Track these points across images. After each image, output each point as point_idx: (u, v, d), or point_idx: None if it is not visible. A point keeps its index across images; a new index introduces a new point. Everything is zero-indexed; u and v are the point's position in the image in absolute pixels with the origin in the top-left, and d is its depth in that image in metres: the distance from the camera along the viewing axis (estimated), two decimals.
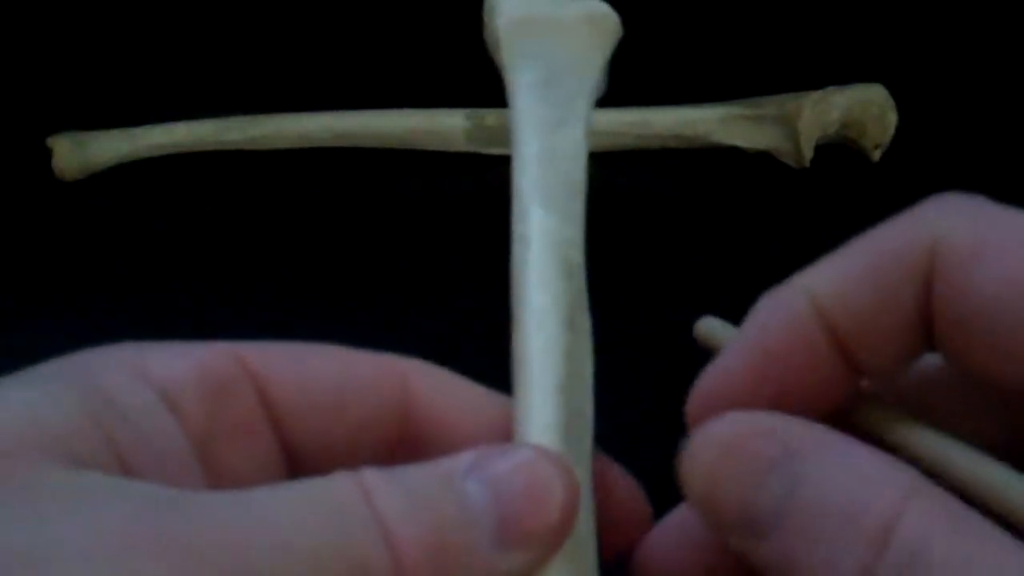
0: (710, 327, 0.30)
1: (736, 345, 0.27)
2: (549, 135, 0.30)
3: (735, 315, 0.51)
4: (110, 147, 0.53)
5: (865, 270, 0.26)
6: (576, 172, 0.29)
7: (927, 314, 0.26)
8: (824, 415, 0.26)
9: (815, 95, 0.53)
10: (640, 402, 0.44)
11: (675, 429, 0.43)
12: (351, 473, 0.23)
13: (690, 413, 0.27)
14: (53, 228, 0.51)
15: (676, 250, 0.50)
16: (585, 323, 0.28)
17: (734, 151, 0.54)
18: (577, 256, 0.28)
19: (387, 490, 0.23)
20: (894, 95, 0.53)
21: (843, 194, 0.53)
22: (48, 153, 0.52)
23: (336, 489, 0.23)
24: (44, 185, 0.52)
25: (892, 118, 0.53)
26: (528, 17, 0.31)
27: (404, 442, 0.27)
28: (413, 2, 0.59)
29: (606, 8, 0.32)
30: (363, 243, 0.51)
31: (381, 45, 0.58)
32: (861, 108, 0.53)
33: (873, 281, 0.26)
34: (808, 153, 0.53)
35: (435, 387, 0.28)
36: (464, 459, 0.24)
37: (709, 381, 0.27)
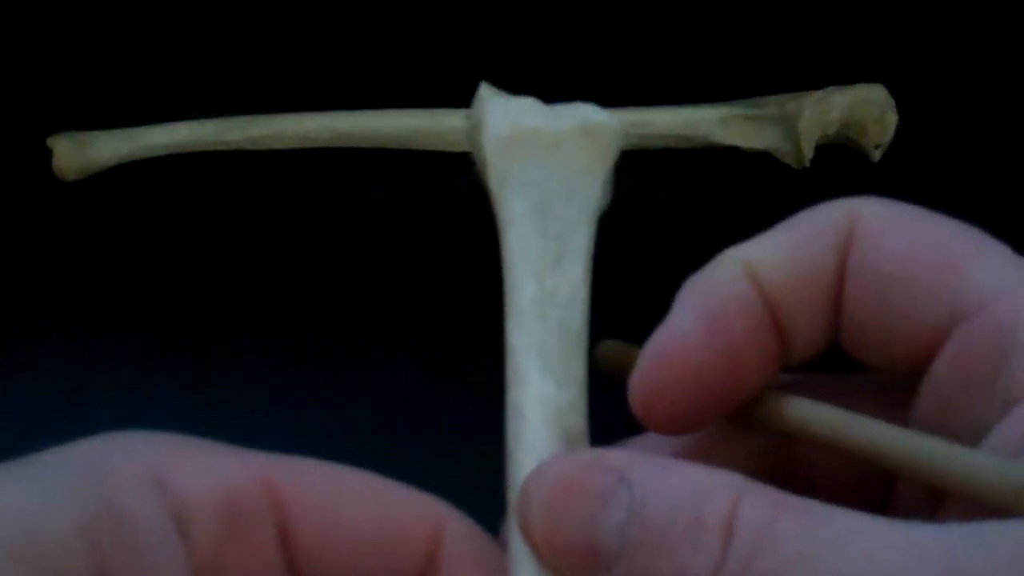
0: (611, 349, 0.29)
1: (680, 308, 0.27)
2: (545, 276, 0.27)
3: None
4: (110, 147, 0.53)
5: (792, 240, 0.28)
6: (575, 318, 0.27)
7: (842, 285, 0.27)
8: (753, 393, 0.27)
9: (815, 95, 0.53)
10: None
11: None
12: None
13: (640, 377, 0.27)
14: (53, 228, 0.51)
15: (676, 250, 0.50)
16: None
17: (734, 151, 0.54)
18: (578, 423, 0.26)
19: None
20: (894, 95, 0.53)
21: (843, 194, 0.53)
22: (48, 153, 0.52)
23: None
24: (44, 185, 0.52)
25: (892, 118, 0.53)
26: (518, 135, 0.28)
27: None
28: (413, 2, 0.59)
29: (604, 116, 0.29)
30: (363, 243, 0.51)
31: (381, 45, 0.58)
32: (861, 108, 0.53)
33: (799, 249, 0.27)
34: (808, 153, 0.52)
35: (465, 550, 0.27)
36: None
37: (660, 342, 0.27)
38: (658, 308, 0.48)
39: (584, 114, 0.29)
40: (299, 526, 0.26)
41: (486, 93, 0.29)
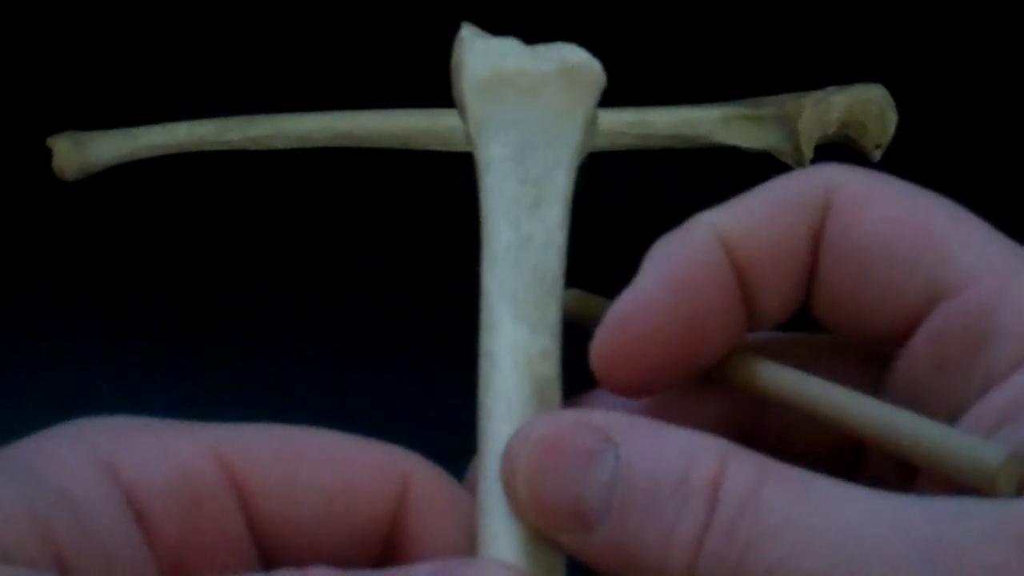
0: (577, 299, 0.29)
1: (648, 272, 0.27)
2: (522, 221, 0.27)
3: None
4: (110, 147, 0.53)
5: (766, 207, 0.27)
6: (551, 264, 0.26)
7: (816, 256, 0.27)
8: (715, 357, 0.27)
9: (815, 95, 0.53)
10: None
11: None
12: (298, 570, 0.22)
13: (602, 341, 0.26)
14: (53, 228, 0.51)
15: None
16: None
17: (734, 151, 0.54)
18: (550, 370, 0.26)
19: None
20: (894, 95, 0.53)
21: None
22: (48, 153, 0.52)
23: None
24: (44, 185, 0.52)
25: (892, 118, 0.53)
26: (496, 76, 0.28)
27: (391, 547, 0.26)
28: (413, 3, 0.59)
29: (585, 56, 0.28)
30: (363, 243, 0.51)
31: (381, 46, 0.58)
32: (861, 108, 0.53)
33: (773, 216, 0.27)
34: (808, 153, 0.52)
35: (433, 499, 0.26)
36: (423, 568, 0.23)
37: (625, 306, 0.27)
38: None
39: (565, 55, 0.28)
40: (258, 499, 0.25)
41: (467, 34, 0.29)
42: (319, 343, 0.47)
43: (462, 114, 0.28)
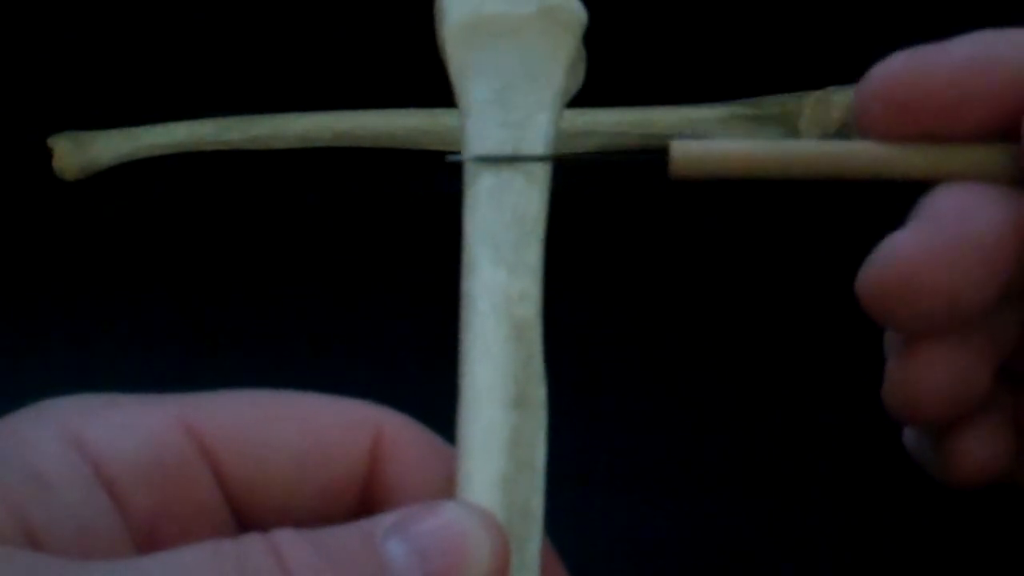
0: (685, 150, 0.29)
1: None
2: (503, 165, 0.27)
3: (734, 316, 0.51)
4: (110, 147, 0.53)
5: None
6: (532, 206, 0.26)
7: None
8: None
9: (815, 95, 0.53)
10: (631, 399, 0.44)
11: (672, 424, 0.43)
12: (262, 535, 0.22)
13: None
14: (53, 228, 0.51)
15: (675, 250, 0.50)
16: (538, 395, 0.25)
17: None
18: (529, 312, 0.26)
19: (301, 551, 0.22)
20: None
21: (843, 194, 0.53)
22: (48, 153, 0.52)
23: (245, 551, 0.22)
24: (44, 185, 0.52)
25: None
26: (477, 19, 0.28)
27: (369, 500, 0.26)
28: (413, 3, 0.59)
29: None
30: (363, 243, 0.51)
31: (382, 45, 0.58)
32: None
33: None
34: None
35: (407, 450, 0.26)
36: (387, 518, 0.23)
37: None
38: (656, 307, 0.48)
39: None
40: (229, 464, 0.25)
41: None
42: (319, 342, 0.47)
43: (444, 59, 0.28)
